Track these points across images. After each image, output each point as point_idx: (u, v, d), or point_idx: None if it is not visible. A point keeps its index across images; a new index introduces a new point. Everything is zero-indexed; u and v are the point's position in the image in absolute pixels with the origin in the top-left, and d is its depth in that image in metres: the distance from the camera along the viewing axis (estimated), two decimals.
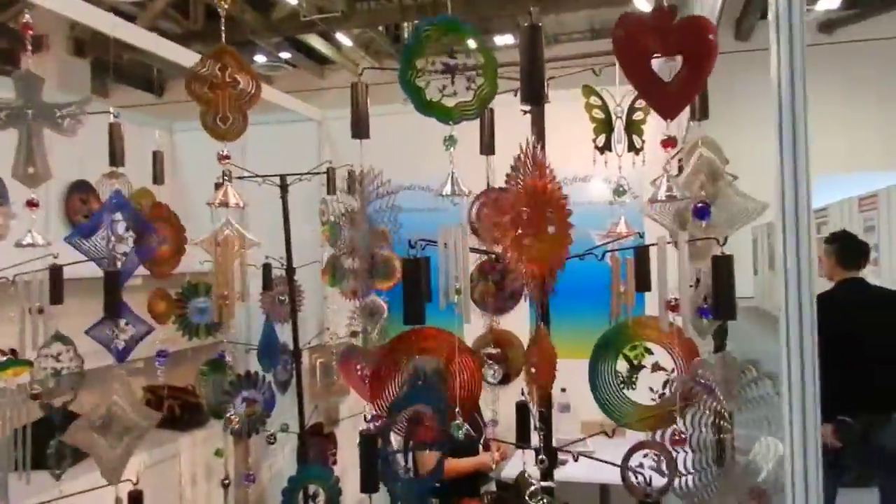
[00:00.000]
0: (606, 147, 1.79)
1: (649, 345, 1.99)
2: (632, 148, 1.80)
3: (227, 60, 1.68)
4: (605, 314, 2.05)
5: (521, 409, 2.07)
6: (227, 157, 1.69)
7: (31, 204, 1.44)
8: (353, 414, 4.06)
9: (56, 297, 2.39)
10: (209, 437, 4.22)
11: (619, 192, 1.77)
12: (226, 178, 1.70)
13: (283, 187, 3.77)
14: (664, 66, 1.32)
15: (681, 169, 2.83)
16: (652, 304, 1.80)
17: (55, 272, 2.38)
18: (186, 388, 4.27)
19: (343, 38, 12.56)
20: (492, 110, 2.16)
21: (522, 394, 2.18)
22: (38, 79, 1.45)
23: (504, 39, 13.62)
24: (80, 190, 3.90)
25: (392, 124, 4.75)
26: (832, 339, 2.22)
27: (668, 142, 1.43)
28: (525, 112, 1.72)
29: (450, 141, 1.50)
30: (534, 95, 1.44)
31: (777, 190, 1.25)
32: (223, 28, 1.85)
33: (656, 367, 2.00)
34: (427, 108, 1.44)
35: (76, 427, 1.87)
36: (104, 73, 11.90)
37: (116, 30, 2.57)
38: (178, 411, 4.14)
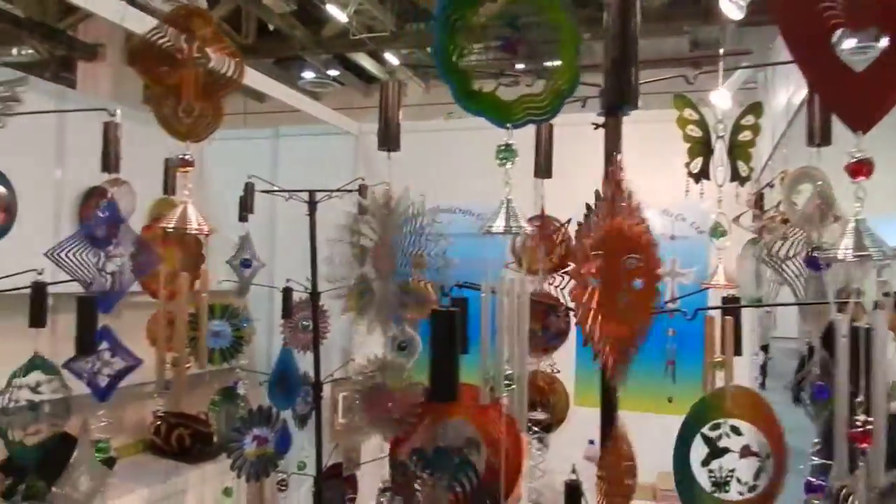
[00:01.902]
0: (702, 174, 1.39)
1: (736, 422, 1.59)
2: (736, 177, 1.40)
3: (196, 27, 1.16)
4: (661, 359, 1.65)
5: (573, 493, 1.67)
6: (190, 164, 1.29)
7: None
8: (377, 458, 3.69)
9: (37, 318, 2.07)
10: (220, 472, 3.88)
11: (718, 231, 1.36)
12: (187, 195, 1.32)
13: (312, 204, 3.44)
14: (856, 49, 0.90)
15: (758, 204, 2.42)
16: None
17: (38, 289, 2.07)
18: (198, 417, 3.95)
19: (391, 58, 12.41)
20: (550, 124, 1.78)
21: (573, 470, 1.80)
22: None
23: None
24: (95, 196, 3.64)
25: (431, 141, 4.43)
26: None
27: (862, 166, 0.97)
28: (597, 126, 1.34)
29: (506, 153, 1.08)
30: (623, 96, 1.01)
31: None
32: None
33: (747, 452, 1.59)
34: (472, 101, 1.02)
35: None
36: None
37: (128, 21, 2.29)
38: (188, 442, 3.82)
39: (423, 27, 11.29)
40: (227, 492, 3.54)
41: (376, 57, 12.58)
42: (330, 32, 11.65)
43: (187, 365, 1.48)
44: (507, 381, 1.01)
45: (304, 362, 3.73)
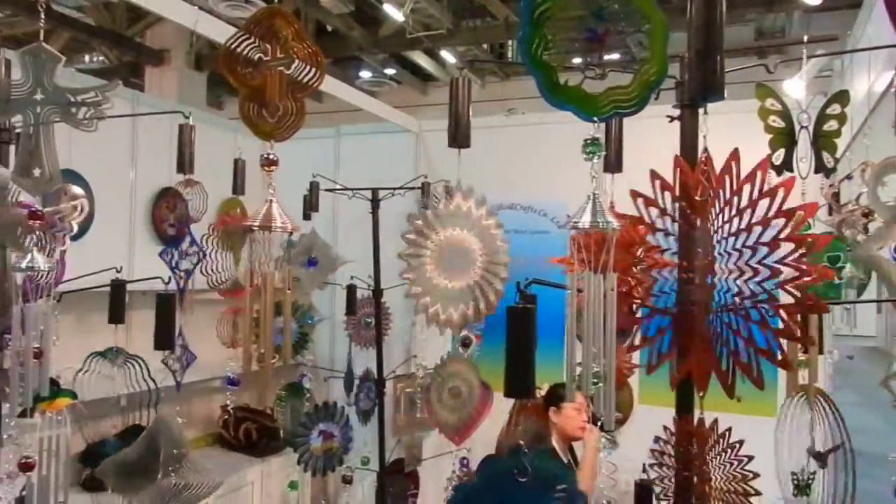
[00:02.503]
0: (785, 166, 1.35)
1: None
2: (821, 168, 1.34)
3: (279, 27, 1.19)
4: None
5: (644, 492, 1.64)
6: (274, 164, 1.32)
7: (35, 216, 1.14)
8: (438, 454, 3.70)
9: (116, 314, 2.15)
10: (284, 466, 3.96)
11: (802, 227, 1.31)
12: (271, 192, 1.34)
13: (375, 202, 3.47)
14: None
15: (835, 197, 2.32)
16: None
17: (117, 287, 2.14)
18: (264, 412, 4.03)
19: (447, 55, 12.42)
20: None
21: (644, 470, 1.76)
22: (53, 56, 1.16)
23: None
24: (166, 197, 3.75)
25: (492, 137, 4.42)
26: None
27: None
28: (672, 119, 1.31)
29: (593, 146, 1.06)
30: (709, 87, 0.95)
31: None
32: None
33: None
34: (557, 94, 1.01)
35: (104, 469, 1.59)
36: (219, 86, 12.23)
37: (201, 26, 2.35)
38: (255, 436, 3.90)
39: (480, 24, 11.27)
40: (292, 485, 3.60)
41: (432, 55, 12.62)
42: (387, 32, 11.75)
43: (273, 360, 1.50)
44: (594, 380, 1.00)
45: (367, 359, 3.77)
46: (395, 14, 9.89)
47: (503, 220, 1.63)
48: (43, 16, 1.21)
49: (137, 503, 1.65)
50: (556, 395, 2.95)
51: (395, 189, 3.44)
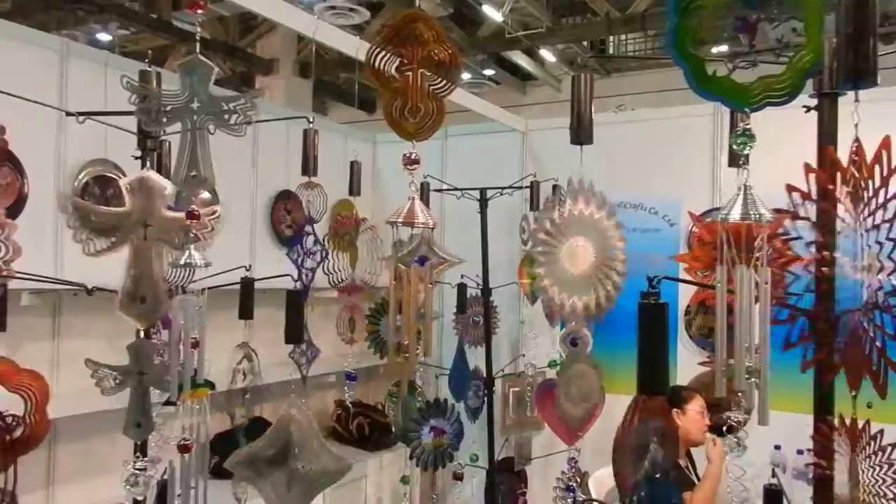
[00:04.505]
0: None
1: None
2: None
3: (419, 30, 1.21)
4: None
5: (773, 498, 1.58)
6: (416, 162, 1.36)
7: (192, 216, 1.24)
8: (548, 453, 3.69)
9: (246, 310, 2.27)
10: (396, 461, 4.06)
11: None
12: (414, 190, 1.39)
13: (483, 201, 3.50)
14: None
15: None
16: None
17: (247, 285, 2.26)
18: (376, 407, 4.14)
19: (546, 54, 12.33)
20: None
21: (773, 473, 1.70)
22: (207, 66, 1.26)
23: None
24: (284, 199, 3.93)
25: (601, 135, 4.33)
26: None
27: None
28: (808, 109, 1.26)
29: (744, 137, 1.03)
30: (860, 73, 0.89)
31: None
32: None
33: None
34: (707, 85, 0.96)
35: (237, 460, 1.69)
36: (324, 92, 12.66)
37: (317, 33, 2.45)
38: (368, 430, 4.02)
39: (580, 21, 11.11)
40: (404, 480, 3.68)
41: (531, 54, 12.55)
42: (485, 32, 11.77)
43: (417, 352, 1.55)
44: (747, 375, 0.98)
45: (475, 357, 3.80)
46: (494, 14, 9.90)
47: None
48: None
49: (270, 488, 1.74)
50: (679, 397, 2.88)
51: (503, 189, 3.46)
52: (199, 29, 1.28)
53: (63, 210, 1.33)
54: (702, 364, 3.05)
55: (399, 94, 1.22)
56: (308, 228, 2.19)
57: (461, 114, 4.41)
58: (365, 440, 4.02)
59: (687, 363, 3.33)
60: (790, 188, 1.22)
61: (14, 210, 2.77)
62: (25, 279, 1.98)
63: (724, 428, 1.95)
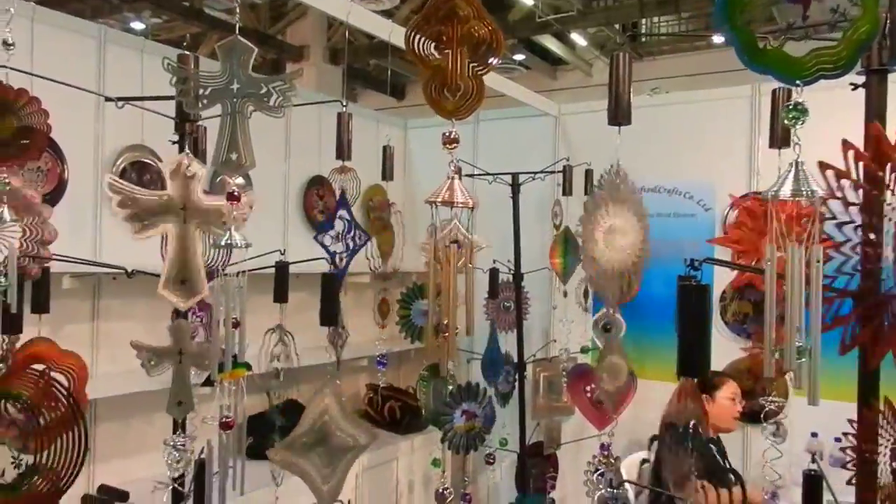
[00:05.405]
0: None
1: None
2: None
3: (458, 6, 1.21)
4: None
5: (813, 484, 1.56)
6: (456, 141, 1.35)
7: (233, 198, 1.26)
8: (578, 438, 3.69)
9: (281, 293, 2.29)
10: (427, 443, 4.08)
11: None
12: (453, 170, 1.38)
13: (515, 186, 3.49)
14: None
15: None
16: None
17: (281, 269, 2.28)
18: (407, 391, 4.17)
19: (577, 38, 12.19)
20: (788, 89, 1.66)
21: (813, 459, 1.67)
22: (247, 48, 1.26)
23: None
24: (316, 185, 3.95)
25: (633, 118, 4.28)
26: None
27: None
28: (856, 87, 1.22)
29: (796, 111, 0.99)
30: None
31: None
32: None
33: None
34: (758, 58, 0.95)
35: (280, 449, 1.70)
36: (354, 78, 12.68)
37: (352, 17, 2.44)
38: (399, 414, 4.05)
39: (611, 3, 10.95)
40: (435, 462, 3.71)
41: (562, 38, 12.41)
42: (516, 16, 11.67)
43: (456, 331, 1.56)
44: (797, 355, 0.96)
45: (506, 343, 3.80)
46: None
47: (647, 204, 1.60)
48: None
49: (311, 468, 1.76)
50: (709, 383, 2.85)
51: (535, 173, 3.44)
52: (237, 10, 1.28)
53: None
54: (744, 350, 3.01)
55: (438, 73, 1.22)
56: (343, 213, 2.21)
57: (493, 98, 4.39)
58: (396, 423, 4.05)
59: (722, 349, 3.29)
60: (823, 165, 1.17)
61: (55, 195, 2.83)
62: (66, 261, 2.03)
63: (762, 414, 1.93)
